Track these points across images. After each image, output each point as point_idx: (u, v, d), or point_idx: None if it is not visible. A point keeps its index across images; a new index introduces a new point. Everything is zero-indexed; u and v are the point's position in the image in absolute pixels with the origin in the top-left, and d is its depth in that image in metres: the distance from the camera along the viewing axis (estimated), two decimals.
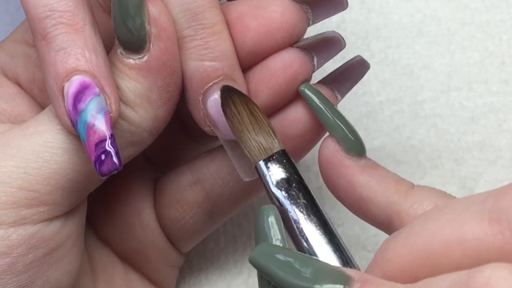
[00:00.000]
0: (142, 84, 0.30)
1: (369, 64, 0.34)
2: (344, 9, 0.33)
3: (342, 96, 0.34)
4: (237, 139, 0.31)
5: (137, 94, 0.30)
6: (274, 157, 0.30)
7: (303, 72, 0.32)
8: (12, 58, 0.33)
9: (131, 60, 0.30)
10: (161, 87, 0.30)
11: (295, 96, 0.32)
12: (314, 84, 0.33)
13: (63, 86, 0.28)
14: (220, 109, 0.31)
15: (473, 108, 0.42)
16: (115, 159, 0.28)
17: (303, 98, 0.32)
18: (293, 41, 0.32)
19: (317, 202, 0.30)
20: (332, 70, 0.34)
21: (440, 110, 0.42)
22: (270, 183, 0.30)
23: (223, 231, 0.40)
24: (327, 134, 0.32)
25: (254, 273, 0.40)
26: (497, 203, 0.24)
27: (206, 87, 0.31)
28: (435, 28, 0.43)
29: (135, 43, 0.29)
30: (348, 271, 0.26)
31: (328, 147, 0.32)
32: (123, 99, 0.30)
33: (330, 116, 0.32)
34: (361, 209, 0.31)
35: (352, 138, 0.31)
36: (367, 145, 0.41)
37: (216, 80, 0.31)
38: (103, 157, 0.28)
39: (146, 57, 0.30)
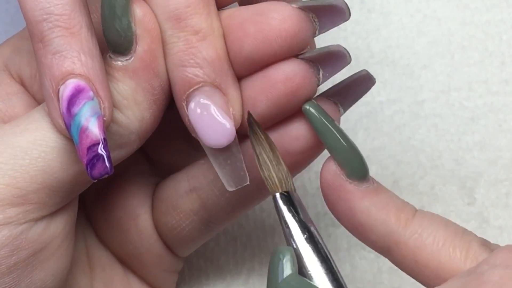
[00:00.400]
0: (128, 85, 0.30)
1: (374, 79, 0.33)
2: (346, 20, 0.32)
3: (345, 110, 0.33)
4: (260, 165, 0.31)
5: (124, 96, 0.30)
6: (292, 194, 0.31)
7: (305, 85, 0.31)
8: (16, 53, 0.33)
9: (119, 62, 0.30)
10: (146, 89, 0.30)
11: (297, 109, 0.32)
12: (317, 96, 0.32)
13: (59, 89, 0.28)
14: (200, 117, 0.30)
15: (473, 108, 0.42)
16: (107, 163, 0.28)
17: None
18: (294, 51, 0.31)
19: (325, 246, 0.30)
20: (334, 81, 0.34)
21: (440, 110, 0.42)
22: (286, 215, 0.30)
23: (223, 231, 0.40)
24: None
25: (253, 273, 0.40)
26: None
27: (187, 92, 0.30)
28: (435, 28, 0.43)
29: (123, 45, 0.30)
30: None
31: (329, 171, 0.31)
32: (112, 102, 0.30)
33: (333, 139, 0.31)
34: (360, 235, 0.31)
35: (355, 163, 0.31)
36: (367, 145, 0.41)
37: (196, 86, 0.30)
38: (95, 160, 0.28)
39: (132, 58, 0.30)
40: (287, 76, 0.31)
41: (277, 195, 0.31)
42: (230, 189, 0.32)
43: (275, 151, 0.31)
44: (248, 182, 0.31)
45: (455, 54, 0.42)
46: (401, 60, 0.43)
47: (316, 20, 0.31)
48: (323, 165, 0.31)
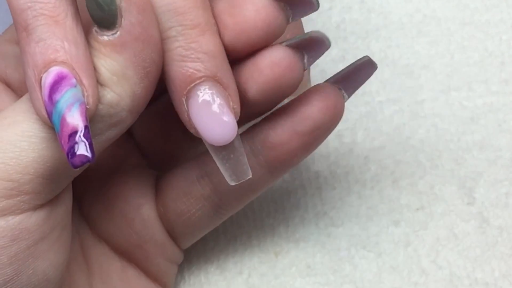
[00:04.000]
0: (117, 61, 0.29)
1: (376, 64, 0.34)
2: (315, 10, 0.33)
3: (349, 96, 0.34)
4: None
5: (113, 72, 0.29)
6: None
7: (292, 70, 0.32)
8: (2, 58, 0.33)
9: (105, 37, 0.29)
10: (136, 63, 0.30)
11: (288, 94, 0.33)
12: (321, 83, 0.34)
13: (41, 77, 0.28)
14: (201, 112, 0.31)
15: (473, 108, 0.42)
16: (87, 152, 0.27)
17: (315, 95, 0.33)
18: (271, 39, 0.32)
19: None
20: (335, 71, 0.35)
21: (440, 110, 0.42)
22: None
23: (223, 231, 0.40)
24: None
25: (254, 273, 0.40)
26: None
27: (188, 88, 0.30)
28: (435, 28, 0.43)
29: (107, 19, 0.29)
30: None
31: None
32: (100, 80, 0.29)
33: None
34: None
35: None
36: (367, 145, 0.42)
37: (198, 81, 0.30)
38: (75, 148, 0.27)
39: (119, 32, 0.29)
40: (273, 62, 0.31)
41: None
42: (232, 183, 0.32)
43: None
44: (250, 176, 0.32)
45: (455, 54, 0.42)
46: (400, 60, 0.43)
47: (288, 8, 0.32)
48: None
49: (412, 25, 0.43)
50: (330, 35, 0.43)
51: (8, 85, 0.33)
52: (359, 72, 0.34)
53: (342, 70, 0.34)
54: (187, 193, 0.35)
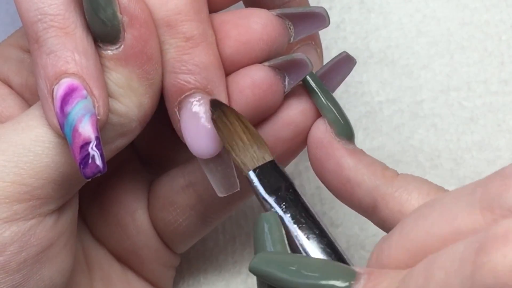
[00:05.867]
0: (122, 74, 0.30)
1: (355, 59, 0.34)
2: (326, 26, 0.33)
3: (331, 93, 0.34)
4: (227, 148, 0.31)
5: (120, 85, 0.30)
6: (266, 166, 0.31)
7: (272, 92, 0.32)
8: (5, 61, 0.33)
9: (109, 51, 0.30)
10: (140, 75, 0.30)
11: (267, 114, 0.33)
12: (300, 84, 0.33)
13: (53, 89, 0.28)
14: (189, 123, 0.31)
15: (472, 108, 0.42)
16: (99, 162, 0.28)
17: (294, 99, 0.33)
18: (272, 56, 0.32)
19: (310, 207, 0.30)
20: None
21: (439, 110, 0.42)
22: (262, 191, 0.30)
23: (222, 231, 0.40)
24: None
25: None
26: (486, 192, 0.24)
27: (179, 99, 0.31)
28: (434, 28, 0.43)
29: (110, 34, 0.29)
30: (353, 267, 0.26)
31: (320, 128, 0.32)
32: (108, 93, 0.30)
33: (324, 100, 0.32)
34: (347, 192, 0.32)
35: (343, 123, 0.32)
36: (367, 145, 0.42)
37: (188, 93, 0.31)
38: (87, 159, 0.28)
39: (122, 46, 0.30)
40: (254, 82, 0.32)
41: (251, 173, 0.31)
42: (220, 195, 0.32)
43: (242, 127, 0.31)
44: (238, 189, 0.32)
45: (454, 54, 0.42)
46: (400, 60, 0.43)
47: (291, 27, 0.32)
48: (313, 125, 0.32)
49: (412, 25, 0.43)
50: (330, 35, 0.43)
51: (11, 88, 0.33)
52: (338, 69, 0.34)
53: (321, 68, 0.34)
54: (173, 202, 0.35)
